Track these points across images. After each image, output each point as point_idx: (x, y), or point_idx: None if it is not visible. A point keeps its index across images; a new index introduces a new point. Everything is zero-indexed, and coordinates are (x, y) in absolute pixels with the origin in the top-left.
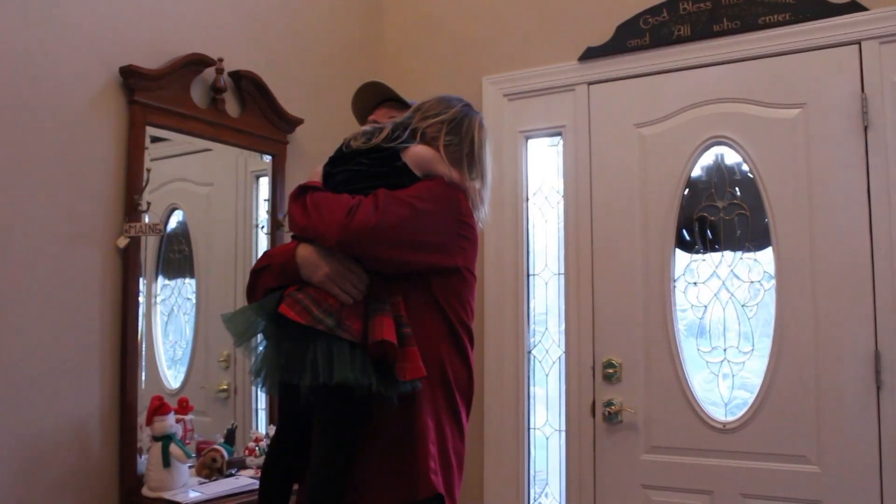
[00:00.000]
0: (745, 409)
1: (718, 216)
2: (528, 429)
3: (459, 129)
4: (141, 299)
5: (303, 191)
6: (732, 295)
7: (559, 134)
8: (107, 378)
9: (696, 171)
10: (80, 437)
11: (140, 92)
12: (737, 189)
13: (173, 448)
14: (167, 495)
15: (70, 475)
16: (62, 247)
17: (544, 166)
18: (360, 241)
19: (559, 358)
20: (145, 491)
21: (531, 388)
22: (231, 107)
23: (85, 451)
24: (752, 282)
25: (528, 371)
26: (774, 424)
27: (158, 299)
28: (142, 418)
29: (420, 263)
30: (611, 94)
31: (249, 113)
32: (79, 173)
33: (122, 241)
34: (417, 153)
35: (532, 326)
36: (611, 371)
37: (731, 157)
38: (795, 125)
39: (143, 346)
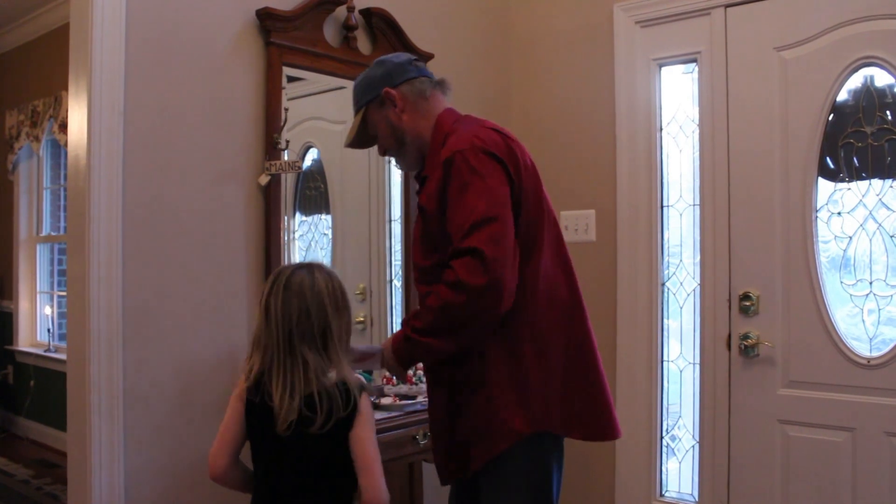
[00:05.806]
0: (891, 345)
1: (866, 142)
2: (661, 361)
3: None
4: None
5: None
6: (880, 225)
7: (694, 61)
8: (253, 310)
9: (842, 95)
10: (230, 364)
11: (276, 33)
12: (888, 113)
13: None
14: None
15: (223, 399)
16: (210, 186)
17: (679, 95)
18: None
19: (694, 290)
20: None
21: (665, 320)
22: (363, 44)
23: (235, 377)
24: None
25: (662, 303)
26: None
27: (296, 235)
28: None
29: None
30: (749, 16)
31: (380, 49)
32: (222, 115)
33: (264, 179)
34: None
35: (666, 258)
36: (748, 304)
37: (882, 79)
38: None
39: None
